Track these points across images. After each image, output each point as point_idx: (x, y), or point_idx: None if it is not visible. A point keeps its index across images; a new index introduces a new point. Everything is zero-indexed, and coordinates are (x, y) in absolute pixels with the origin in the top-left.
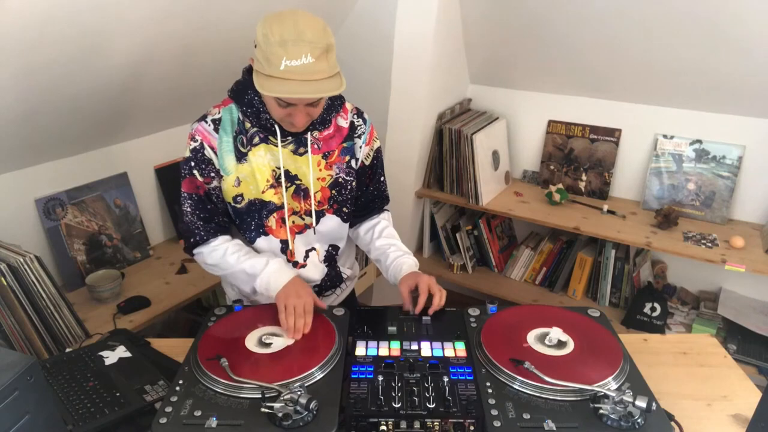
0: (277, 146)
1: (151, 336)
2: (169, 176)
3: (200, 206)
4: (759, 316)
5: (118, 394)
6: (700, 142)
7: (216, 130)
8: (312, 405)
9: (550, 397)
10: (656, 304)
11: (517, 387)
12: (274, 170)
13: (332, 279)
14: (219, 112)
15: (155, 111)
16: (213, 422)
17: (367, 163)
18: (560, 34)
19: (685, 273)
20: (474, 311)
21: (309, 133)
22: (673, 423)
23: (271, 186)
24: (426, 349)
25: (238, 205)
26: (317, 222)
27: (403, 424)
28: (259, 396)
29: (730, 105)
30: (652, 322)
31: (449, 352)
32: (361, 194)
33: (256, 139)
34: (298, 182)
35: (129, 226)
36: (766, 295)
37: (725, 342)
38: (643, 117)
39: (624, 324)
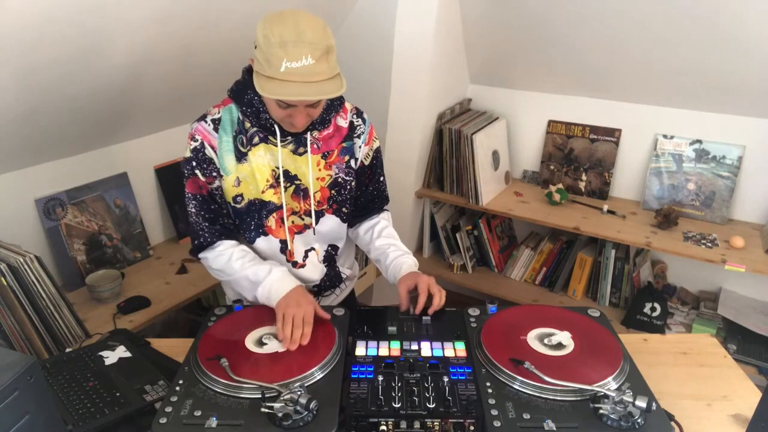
0: (276, 146)
1: (151, 336)
2: (169, 176)
3: (204, 206)
4: (759, 316)
5: (118, 394)
6: (700, 142)
7: (216, 129)
8: (312, 405)
9: (550, 397)
10: (656, 304)
11: (517, 387)
12: (273, 170)
13: (331, 279)
14: (219, 112)
15: (155, 111)
16: (213, 422)
17: (366, 163)
18: (560, 34)
19: (685, 273)
20: (474, 311)
21: (308, 132)
22: (673, 423)
23: (271, 186)
24: (426, 349)
25: (238, 205)
26: (316, 222)
27: (403, 424)
28: (259, 396)
29: (730, 105)
30: (652, 322)
31: (449, 352)
32: (360, 194)
33: (256, 139)
34: (297, 182)
35: (129, 226)
36: (766, 295)
37: (725, 342)
38: (643, 117)
39: (624, 324)
